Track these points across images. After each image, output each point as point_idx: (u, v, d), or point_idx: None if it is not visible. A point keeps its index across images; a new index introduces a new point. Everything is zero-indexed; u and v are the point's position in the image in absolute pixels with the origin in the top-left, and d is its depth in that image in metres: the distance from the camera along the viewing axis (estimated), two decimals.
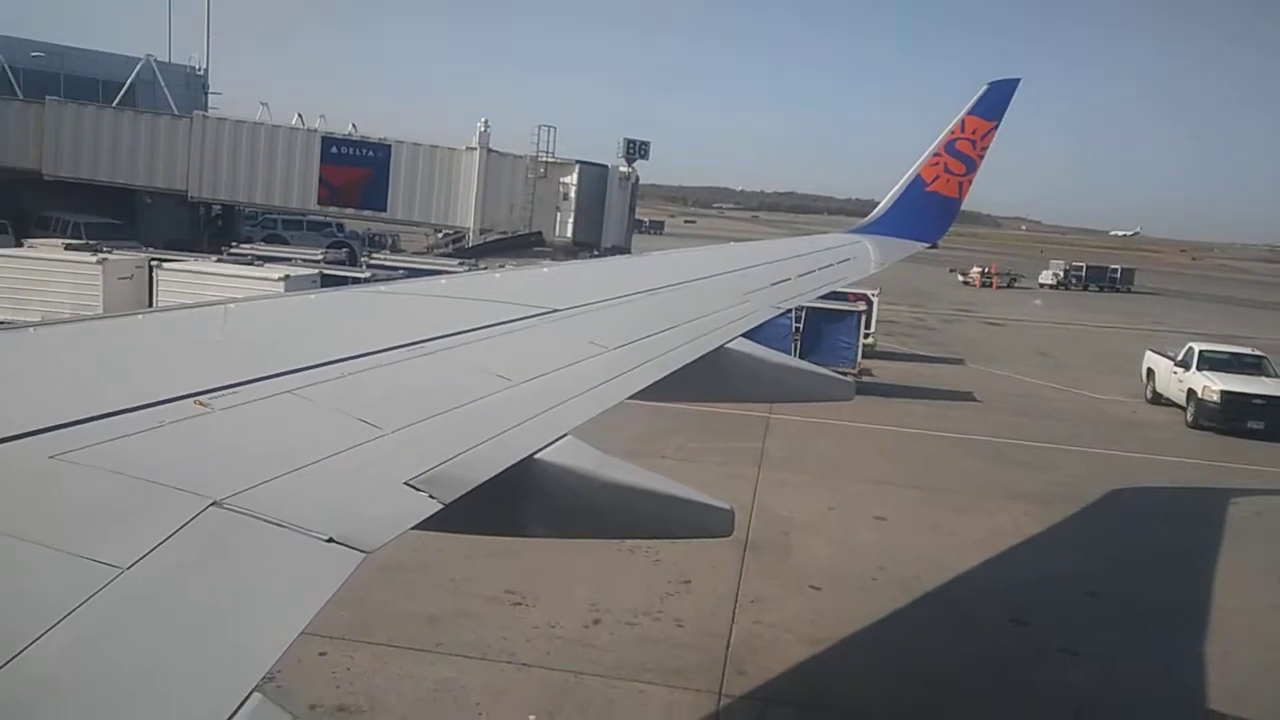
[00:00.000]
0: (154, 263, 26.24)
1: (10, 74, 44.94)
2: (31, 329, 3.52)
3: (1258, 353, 26.99)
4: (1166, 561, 14.98)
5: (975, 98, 13.13)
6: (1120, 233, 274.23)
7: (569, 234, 45.98)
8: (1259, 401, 23.94)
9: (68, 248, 28.98)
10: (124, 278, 25.77)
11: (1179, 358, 26.54)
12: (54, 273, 25.74)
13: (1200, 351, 26.15)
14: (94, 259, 25.96)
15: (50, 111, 43.66)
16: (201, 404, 2.58)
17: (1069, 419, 24.91)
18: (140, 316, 4.06)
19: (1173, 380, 26.37)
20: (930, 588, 12.98)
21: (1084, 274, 78.07)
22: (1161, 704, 10.70)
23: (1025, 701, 10.45)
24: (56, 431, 2.20)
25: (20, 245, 30.39)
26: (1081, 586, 13.48)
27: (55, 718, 1.44)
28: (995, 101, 13.15)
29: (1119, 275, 78.95)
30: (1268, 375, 25.28)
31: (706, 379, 5.15)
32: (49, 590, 1.66)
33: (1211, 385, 24.44)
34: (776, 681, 10.29)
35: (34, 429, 2.17)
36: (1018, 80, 13.41)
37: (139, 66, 47.89)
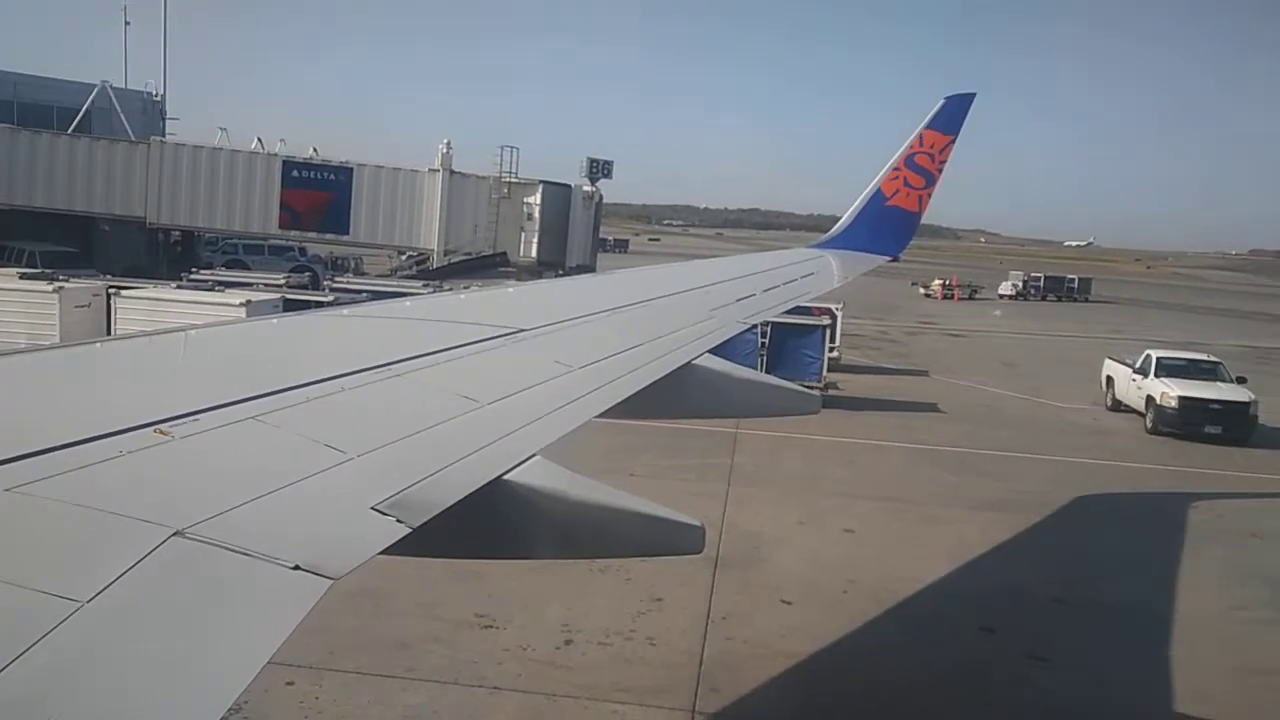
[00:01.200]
0: (112, 290, 25.83)
1: None
2: None
3: (1213, 359, 27.49)
4: (1131, 566, 15.18)
5: (932, 112, 13.35)
6: (1074, 243, 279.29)
7: (534, 254, 46.02)
8: (1216, 406, 24.38)
9: (23, 276, 28.45)
10: (81, 306, 25.35)
11: (1137, 365, 26.99)
12: (9, 302, 25.27)
13: (1158, 358, 26.62)
14: (50, 287, 25.52)
15: (3, 139, 43.11)
16: (162, 432, 2.54)
17: (1032, 427, 25.22)
18: (98, 345, 4.00)
19: (1132, 387, 26.80)
20: (900, 599, 13.06)
21: (1042, 284, 79.22)
22: (1131, 707, 10.82)
23: (997, 709, 10.52)
24: (14, 463, 2.16)
25: None
26: (1048, 593, 13.62)
27: None
28: (952, 115, 13.37)
29: (1076, 285, 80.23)
30: (1224, 380, 25.77)
31: (674, 396, 5.17)
32: (6, 626, 1.62)
33: (1170, 391, 24.87)
34: (750, 697, 10.28)
35: None
36: (973, 95, 13.65)
37: (94, 93, 47.42)
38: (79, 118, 46.20)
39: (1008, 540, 15.93)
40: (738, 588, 13.03)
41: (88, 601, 1.72)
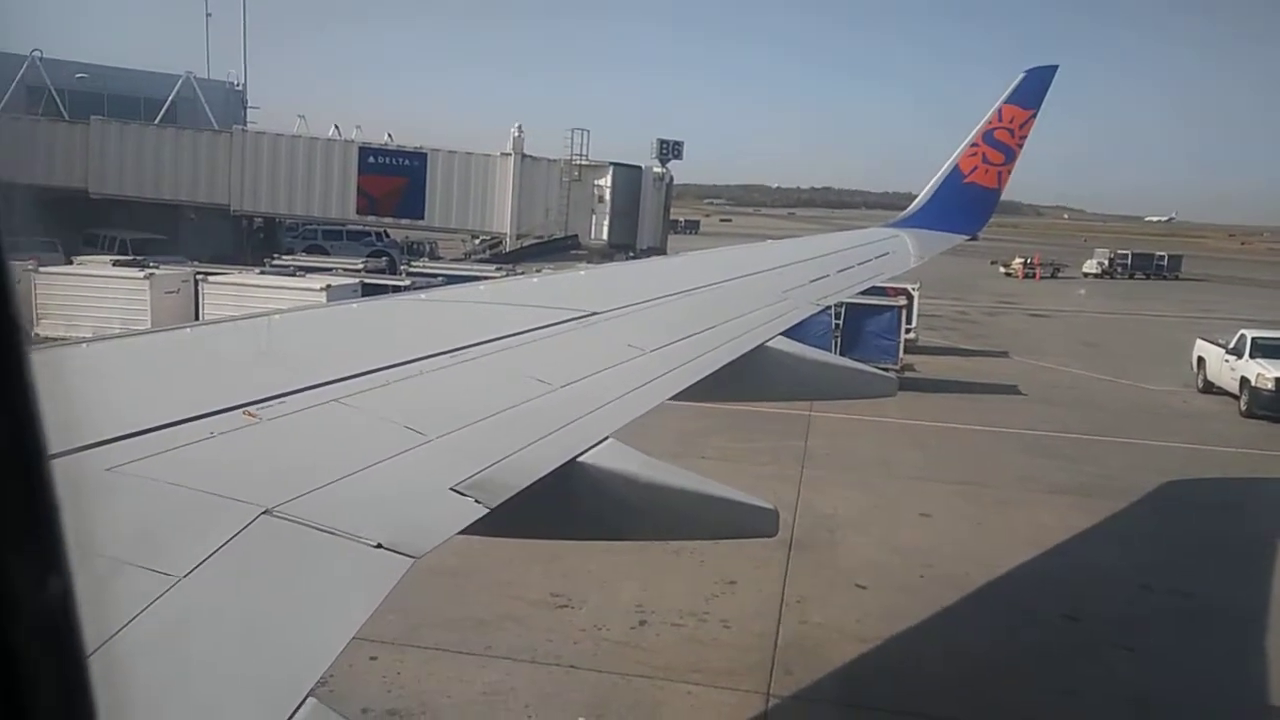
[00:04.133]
0: (199, 276, 26.73)
1: (56, 96, 46.04)
2: (83, 345, 3.61)
3: None
4: (1221, 554, 14.66)
5: (1012, 86, 12.98)
6: (1155, 218, 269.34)
7: (605, 236, 46.10)
8: None
9: (116, 264, 29.65)
10: (171, 292, 26.28)
11: (1231, 345, 25.96)
12: (103, 289, 26.32)
13: (1253, 339, 25.54)
14: (141, 274, 26.51)
15: (95, 131, 44.68)
16: (251, 414, 2.63)
17: (1117, 410, 24.47)
18: (188, 330, 4.14)
19: (1225, 368, 25.80)
20: (979, 584, 12.82)
21: (1130, 262, 76.67)
22: (1220, 700, 10.47)
23: (1081, 698, 10.28)
24: (111, 444, 2.25)
25: (70, 263, 31.08)
26: (1134, 580, 13.24)
27: None
28: (1033, 89, 12.97)
29: (1166, 262, 77.44)
30: None
31: (746, 379, 5.15)
32: (106, 600, 1.70)
33: (1266, 373, 23.88)
34: (824, 681, 10.22)
35: (89, 442, 2.22)
36: (1055, 67, 13.23)
37: (179, 84, 48.88)
38: (165, 108, 47.69)
39: (1091, 526, 15.51)
40: (811, 571, 12.95)
41: (183, 577, 1.79)
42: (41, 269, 26.83)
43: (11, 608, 0.80)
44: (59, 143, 44.43)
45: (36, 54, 44.96)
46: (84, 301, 25.79)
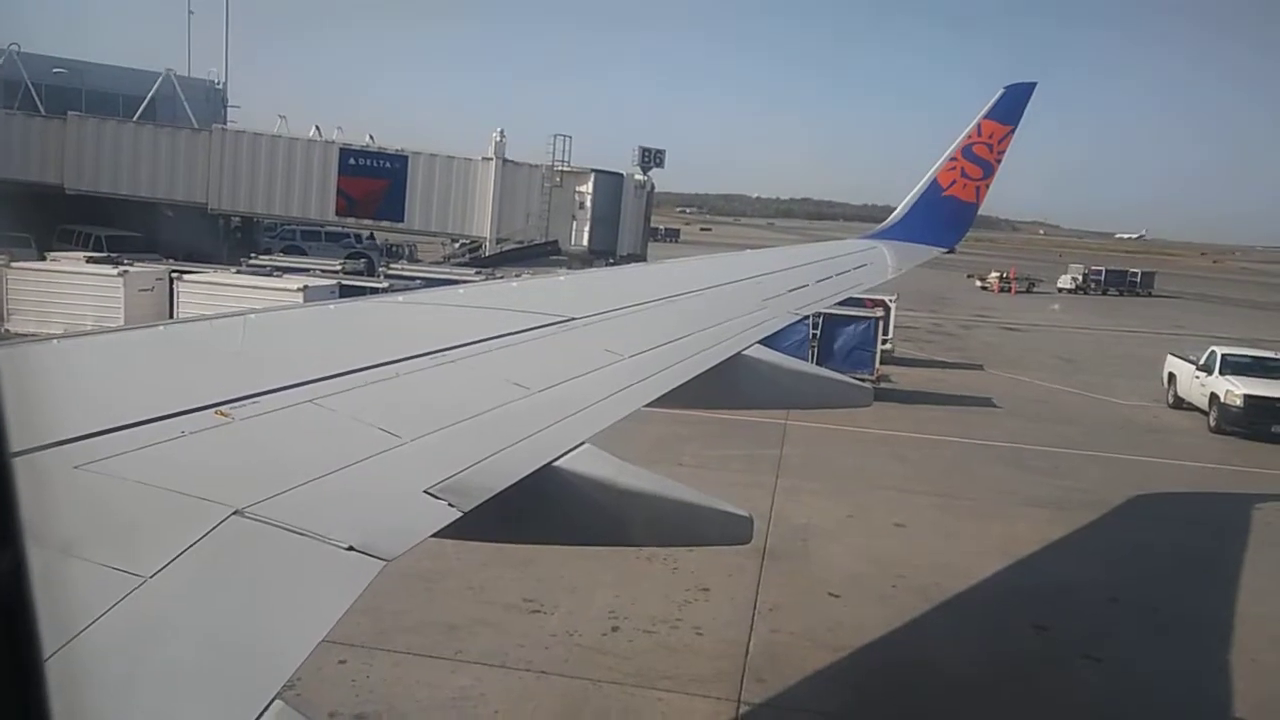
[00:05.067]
0: (174, 275, 26.50)
1: (33, 90, 45.50)
2: (55, 341, 3.56)
3: None
4: (1189, 568, 14.83)
5: (991, 101, 13.10)
6: (1126, 236, 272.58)
7: (585, 242, 46.09)
8: None
9: (89, 260, 29.31)
10: (145, 290, 26.03)
11: (1201, 361, 26.29)
12: (76, 285, 26.03)
13: (1223, 355, 25.90)
14: (115, 271, 26.24)
15: (72, 127, 44.18)
16: (223, 414, 2.60)
17: (1089, 424, 24.72)
18: (161, 328, 4.10)
19: (1195, 384, 26.13)
20: (950, 594, 12.90)
21: (1103, 278, 77.45)
22: (1184, 712, 10.59)
23: (1048, 707, 10.35)
24: (80, 442, 2.22)
25: (43, 259, 30.72)
26: (1103, 593, 13.36)
27: None
28: (1012, 105, 13.11)
29: (1139, 279, 78.29)
30: None
31: (723, 386, 5.16)
32: (70, 600, 1.68)
33: (1235, 389, 24.20)
34: (795, 690, 10.24)
35: (58, 439, 2.20)
36: (1034, 84, 13.36)
37: (159, 81, 48.41)
38: (144, 106, 47.24)
39: (1062, 538, 15.66)
40: (785, 580, 12.98)
41: (150, 577, 1.77)
42: (14, 264, 26.51)
43: None
44: (34, 137, 43.89)
45: (13, 48, 44.46)
46: (56, 298, 25.50)
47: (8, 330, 24.81)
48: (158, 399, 2.63)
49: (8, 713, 0.81)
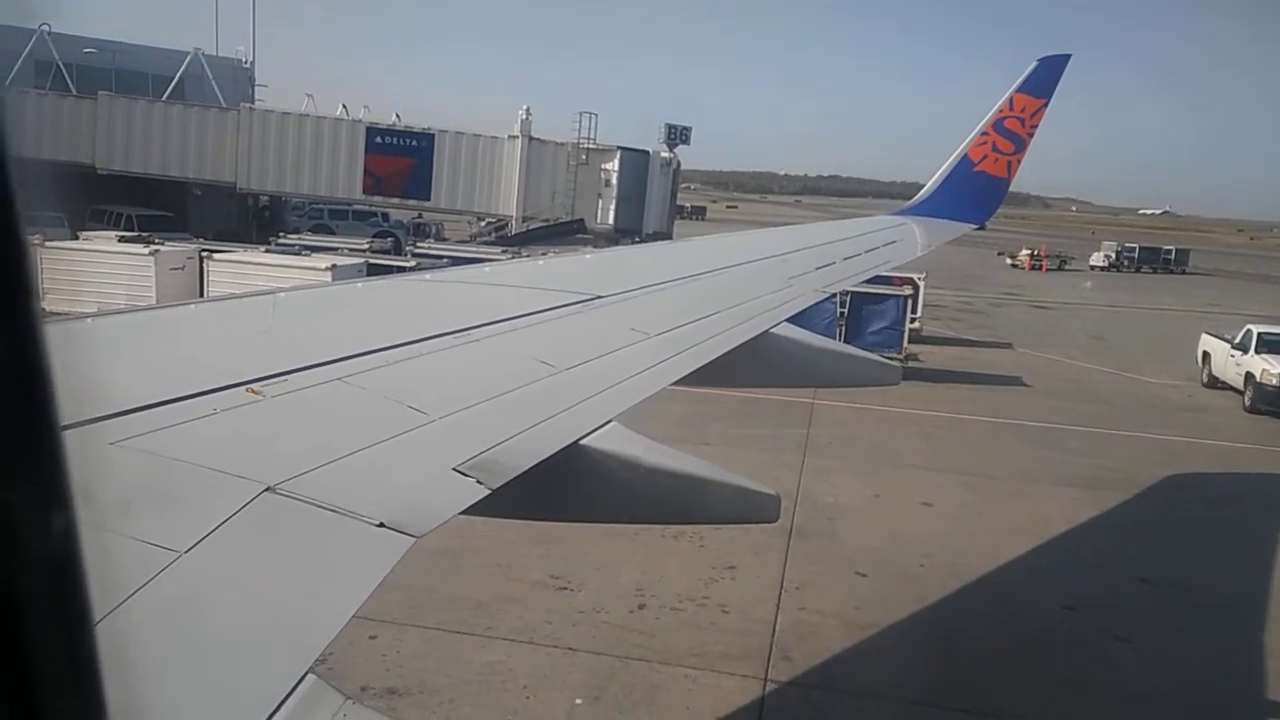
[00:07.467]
0: (204, 254, 26.71)
1: (64, 70, 45.90)
2: (88, 320, 3.60)
3: None
4: (1221, 548, 14.66)
5: (1024, 75, 12.87)
6: (1149, 211, 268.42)
7: (611, 221, 45.97)
8: None
9: (121, 240, 29.62)
10: (176, 269, 26.27)
11: (1236, 340, 25.87)
12: (108, 264, 26.30)
13: (1259, 334, 25.45)
14: (147, 251, 26.50)
15: (103, 106, 44.57)
16: (254, 392, 2.63)
17: (1121, 403, 24.44)
18: (192, 306, 4.13)
19: (1230, 363, 25.73)
20: (979, 574, 12.84)
21: (1137, 255, 76.35)
22: (1217, 692, 10.50)
23: (1078, 688, 10.30)
24: (115, 419, 2.25)
25: (76, 238, 31.08)
26: (1134, 573, 13.25)
27: (114, 701, 1.48)
28: (1045, 78, 12.87)
29: (1173, 256, 77.12)
30: None
31: (750, 364, 5.14)
32: (108, 575, 1.70)
33: (1271, 368, 23.81)
34: (822, 667, 10.26)
35: (93, 417, 2.22)
36: (1068, 56, 13.12)
37: (187, 60, 48.67)
38: (173, 85, 47.54)
39: (1092, 518, 15.52)
40: (812, 558, 12.98)
41: (185, 553, 1.79)
42: (47, 244, 26.83)
43: (23, 581, 0.80)
44: (66, 118, 44.28)
45: (45, 28, 44.81)
46: (89, 277, 25.77)
47: (42, 309, 25.13)
48: (189, 377, 2.65)
49: (61, 664, 0.83)
